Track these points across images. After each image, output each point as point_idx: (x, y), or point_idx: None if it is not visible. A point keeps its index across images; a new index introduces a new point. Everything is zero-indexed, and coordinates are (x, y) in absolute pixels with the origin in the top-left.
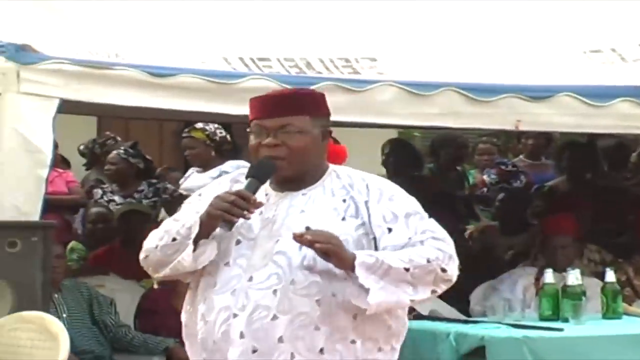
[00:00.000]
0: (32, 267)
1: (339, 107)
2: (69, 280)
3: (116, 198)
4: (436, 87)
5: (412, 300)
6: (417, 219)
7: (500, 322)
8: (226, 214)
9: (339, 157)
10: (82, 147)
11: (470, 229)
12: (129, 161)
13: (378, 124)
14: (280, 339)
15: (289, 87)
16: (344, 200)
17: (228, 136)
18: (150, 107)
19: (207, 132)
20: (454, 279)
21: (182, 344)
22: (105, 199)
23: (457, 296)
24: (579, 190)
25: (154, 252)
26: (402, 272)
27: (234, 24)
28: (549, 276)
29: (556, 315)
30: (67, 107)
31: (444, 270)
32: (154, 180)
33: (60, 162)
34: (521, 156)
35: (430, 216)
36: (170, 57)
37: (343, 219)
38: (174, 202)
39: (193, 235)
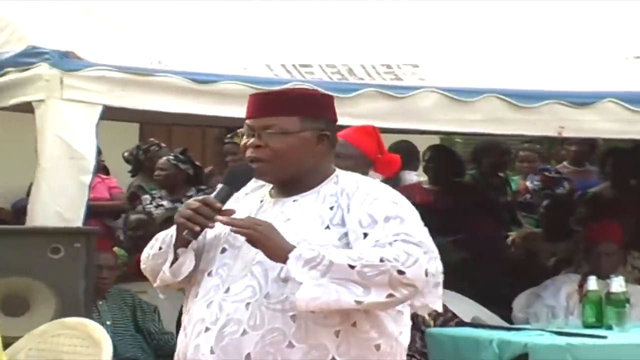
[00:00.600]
0: (75, 274)
1: (381, 113)
2: (112, 287)
3: (165, 203)
4: (478, 93)
5: (359, 302)
6: (396, 223)
7: (543, 329)
8: (188, 222)
9: (391, 166)
10: (126, 154)
11: (512, 236)
12: (179, 167)
13: (420, 131)
14: (248, 356)
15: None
16: (332, 208)
17: None
18: (192, 114)
19: None
20: (418, 284)
21: None
22: (154, 204)
23: (500, 303)
24: (623, 196)
25: (147, 262)
26: (346, 269)
27: (276, 31)
28: (592, 283)
29: (600, 323)
30: (109, 114)
31: (401, 272)
32: (203, 186)
33: (100, 169)
34: (565, 162)
35: (472, 222)
36: (213, 63)
37: (327, 227)
38: None
39: (172, 244)
